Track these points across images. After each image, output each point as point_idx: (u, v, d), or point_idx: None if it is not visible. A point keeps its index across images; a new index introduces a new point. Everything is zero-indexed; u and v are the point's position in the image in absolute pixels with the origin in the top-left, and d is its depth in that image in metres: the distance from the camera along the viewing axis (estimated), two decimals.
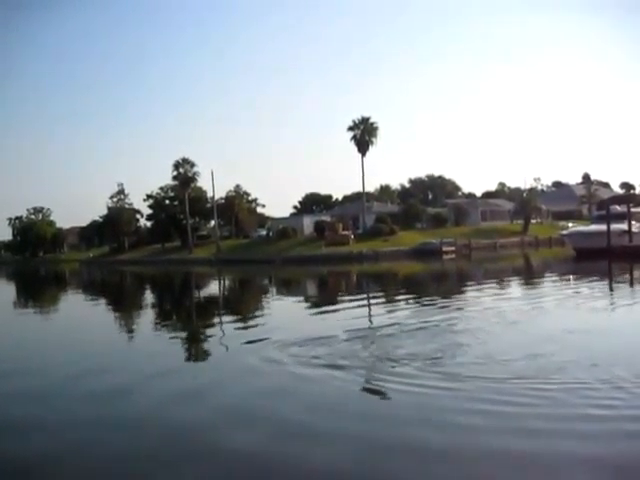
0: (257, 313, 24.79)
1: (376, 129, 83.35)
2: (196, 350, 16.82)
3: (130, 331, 22.19)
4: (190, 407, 10.00)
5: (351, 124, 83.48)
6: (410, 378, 10.55)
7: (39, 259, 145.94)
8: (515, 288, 29.46)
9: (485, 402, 8.98)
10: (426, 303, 23.29)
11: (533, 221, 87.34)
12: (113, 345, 17.70)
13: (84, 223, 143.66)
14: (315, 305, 25.97)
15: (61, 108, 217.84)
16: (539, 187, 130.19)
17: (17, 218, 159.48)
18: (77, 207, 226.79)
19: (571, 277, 33.10)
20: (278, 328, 17.72)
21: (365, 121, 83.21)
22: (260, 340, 15.65)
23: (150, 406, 10.19)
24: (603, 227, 47.84)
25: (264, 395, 10.47)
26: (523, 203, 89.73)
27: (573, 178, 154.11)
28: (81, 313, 29.46)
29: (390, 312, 21.18)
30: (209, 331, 19.97)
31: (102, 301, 37.53)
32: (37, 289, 56.61)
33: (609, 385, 9.45)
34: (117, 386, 11.60)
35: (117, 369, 13.56)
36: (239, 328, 19.28)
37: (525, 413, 8.47)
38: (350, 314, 20.69)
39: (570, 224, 67.02)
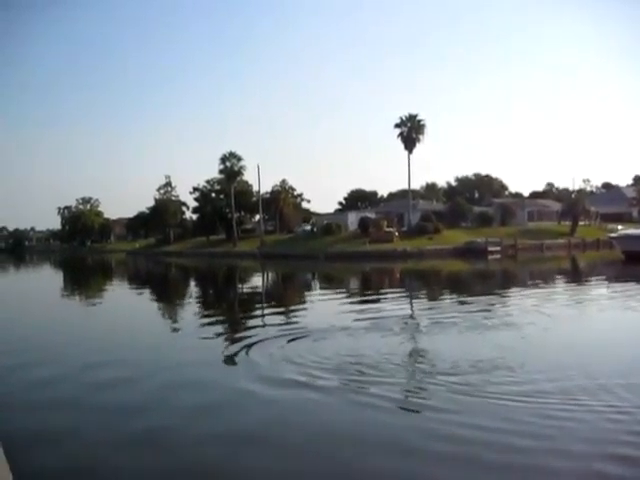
0: (298, 307, 24.96)
1: (423, 126, 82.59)
2: (223, 345, 16.08)
3: (164, 323, 22.57)
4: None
5: (398, 121, 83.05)
6: (416, 392, 10.34)
7: (86, 248, 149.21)
8: (560, 290, 28.99)
9: (458, 428, 8.47)
10: (466, 303, 23.15)
11: (581, 223, 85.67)
12: (142, 337, 17.85)
13: (131, 214, 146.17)
14: (354, 302, 25.84)
15: (111, 102, 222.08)
16: (588, 188, 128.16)
17: (66, 208, 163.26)
18: (125, 198, 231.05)
19: (619, 281, 32.41)
20: (312, 323, 17.86)
21: (412, 118, 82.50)
22: (294, 335, 15.83)
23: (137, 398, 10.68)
24: None
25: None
26: (571, 204, 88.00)
27: (623, 180, 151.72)
28: (122, 303, 30.04)
29: (430, 311, 21.19)
30: (247, 324, 20.00)
31: (145, 292, 38.12)
32: (83, 278, 57.83)
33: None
34: (120, 377, 12.13)
35: (134, 362, 13.85)
36: (280, 324, 19.07)
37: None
38: (387, 313, 20.70)
39: (619, 227, 65.57)
